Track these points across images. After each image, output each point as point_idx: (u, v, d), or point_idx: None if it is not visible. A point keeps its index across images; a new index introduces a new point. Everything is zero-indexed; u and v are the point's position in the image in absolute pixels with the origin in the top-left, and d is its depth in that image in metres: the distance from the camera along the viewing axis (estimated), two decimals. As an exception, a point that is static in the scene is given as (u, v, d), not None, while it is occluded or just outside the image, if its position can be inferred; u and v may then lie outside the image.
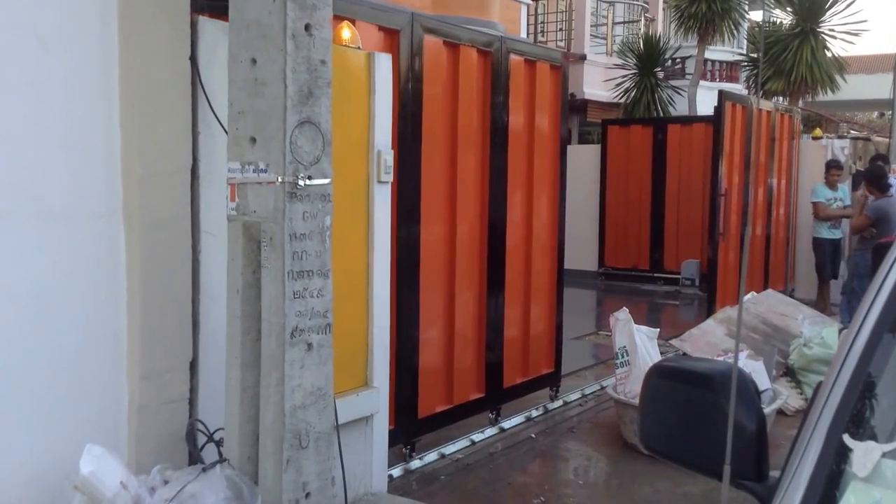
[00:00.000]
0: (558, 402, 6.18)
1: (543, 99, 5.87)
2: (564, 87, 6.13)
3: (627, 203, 12.64)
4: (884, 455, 1.20)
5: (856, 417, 1.28)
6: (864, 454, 1.21)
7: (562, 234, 6.22)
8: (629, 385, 5.33)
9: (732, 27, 14.20)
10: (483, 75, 5.28)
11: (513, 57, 5.49)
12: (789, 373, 6.50)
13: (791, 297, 8.99)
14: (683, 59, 16.71)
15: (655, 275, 12.37)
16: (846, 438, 1.24)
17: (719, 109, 9.03)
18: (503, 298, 5.52)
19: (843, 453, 1.23)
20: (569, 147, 13.78)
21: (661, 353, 5.69)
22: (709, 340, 6.38)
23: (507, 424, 5.62)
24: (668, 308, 11.22)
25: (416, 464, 4.84)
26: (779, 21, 15.76)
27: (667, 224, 12.37)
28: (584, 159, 13.07)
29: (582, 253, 12.66)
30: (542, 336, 6.05)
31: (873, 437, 1.25)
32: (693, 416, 1.43)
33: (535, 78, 5.75)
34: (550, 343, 6.15)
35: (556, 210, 6.12)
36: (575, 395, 6.51)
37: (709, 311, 8.18)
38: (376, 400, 3.99)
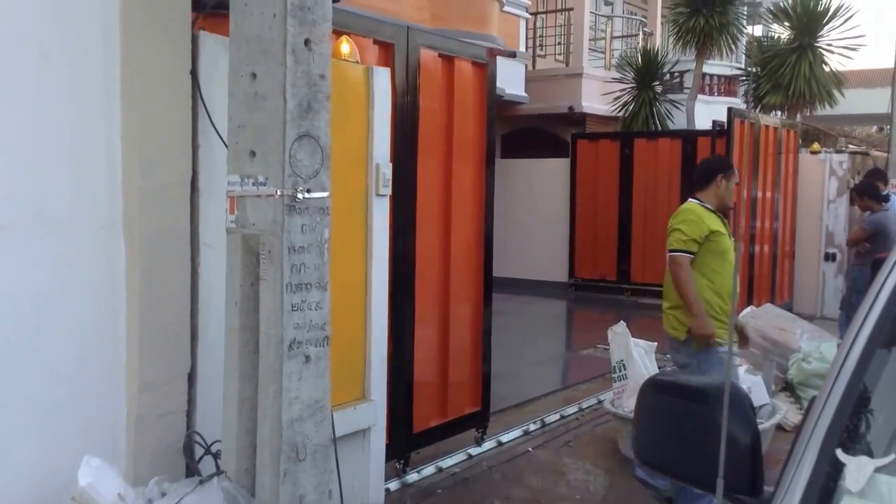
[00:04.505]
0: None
1: (465, 100, 5.24)
2: (491, 88, 5.48)
3: (596, 215, 13.01)
4: (876, 470, 1.21)
5: (849, 432, 1.29)
6: (857, 469, 1.22)
7: (489, 253, 5.50)
8: (626, 399, 5.33)
9: (730, 42, 14.27)
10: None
11: (424, 51, 4.82)
12: (788, 387, 6.50)
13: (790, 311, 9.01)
14: (682, 73, 16.78)
15: (623, 286, 12.73)
16: (839, 453, 1.25)
17: (728, 125, 9.42)
18: (412, 331, 4.78)
19: (836, 468, 1.24)
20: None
21: (659, 367, 5.70)
22: (707, 354, 6.37)
23: (414, 478, 4.87)
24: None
25: (413, 477, 4.84)
26: (777, 35, 15.84)
27: (634, 236, 12.71)
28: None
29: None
30: (464, 371, 5.34)
31: (866, 452, 1.26)
32: (688, 429, 1.44)
33: (453, 76, 5.12)
34: (476, 378, 5.43)
35: (481, 226, 5.43)
36: (572, 410, 6.51)
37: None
38: (374, 413, 3.99)
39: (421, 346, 4.87)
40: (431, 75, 4.92)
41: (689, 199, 4.62)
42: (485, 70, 5.42)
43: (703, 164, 5.15)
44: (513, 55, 12.30)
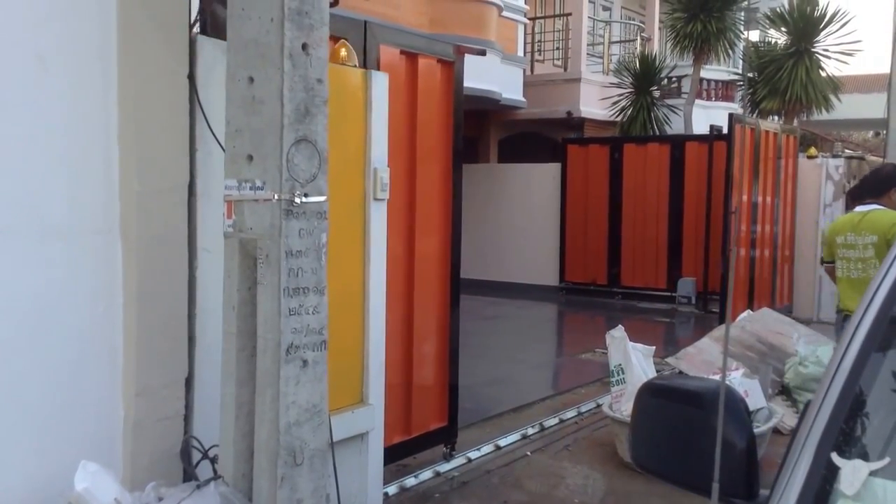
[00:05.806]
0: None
1: (430, 100, 4.96)
2: (458, 87, 5.15)
3: (586, 219, 13.13)
4: (871, 473, 1.21)
5: (844, 436, 1.30)
6: (851, 472, 1.22)
7: (456, 259, 5.22)
8: (625, 403, 5.33)
9: (728, 47, 14.31)
10: None
11: (384, 48, 4.57)
12: (785, 391, 6.50)
13: (789, 315, 9.02)
14: (679, 77, 16.82)
15: (614, 289, 12.84)
16: (834, 457, 1.25)
17: (729, 130, 9.57)
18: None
19: (831, 472, 1.25)
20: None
21: (657, 371, 5.70)
22: (705, 359, 6.38)
23: (412, 482, 4.80)
24: (665, 326, 11.26)
25: (411, 481, 4.83)
26: (773, 41, 15.89)
27: (624, 240, 12.84)
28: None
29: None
30: (429, 384, 5.04)
31: (862, 456, 1.26)
32: (683, 433, 1.45)
33: (416, 75, 4.85)
34: (442, 391, 5.14)
35: (448, 230, 5.16)
36: (571, 413, 6.50)
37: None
38: (371, 417, 3.99)
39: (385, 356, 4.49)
40: (392, 74, 4.52)
41: (877, 207, 4.55)
42: (451, 69, 5.14)
43: (879, 172, 4.92)
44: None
